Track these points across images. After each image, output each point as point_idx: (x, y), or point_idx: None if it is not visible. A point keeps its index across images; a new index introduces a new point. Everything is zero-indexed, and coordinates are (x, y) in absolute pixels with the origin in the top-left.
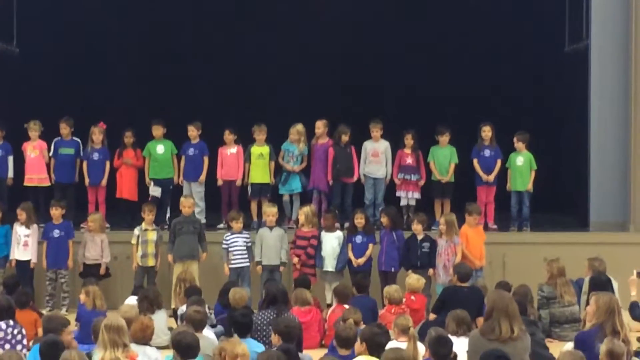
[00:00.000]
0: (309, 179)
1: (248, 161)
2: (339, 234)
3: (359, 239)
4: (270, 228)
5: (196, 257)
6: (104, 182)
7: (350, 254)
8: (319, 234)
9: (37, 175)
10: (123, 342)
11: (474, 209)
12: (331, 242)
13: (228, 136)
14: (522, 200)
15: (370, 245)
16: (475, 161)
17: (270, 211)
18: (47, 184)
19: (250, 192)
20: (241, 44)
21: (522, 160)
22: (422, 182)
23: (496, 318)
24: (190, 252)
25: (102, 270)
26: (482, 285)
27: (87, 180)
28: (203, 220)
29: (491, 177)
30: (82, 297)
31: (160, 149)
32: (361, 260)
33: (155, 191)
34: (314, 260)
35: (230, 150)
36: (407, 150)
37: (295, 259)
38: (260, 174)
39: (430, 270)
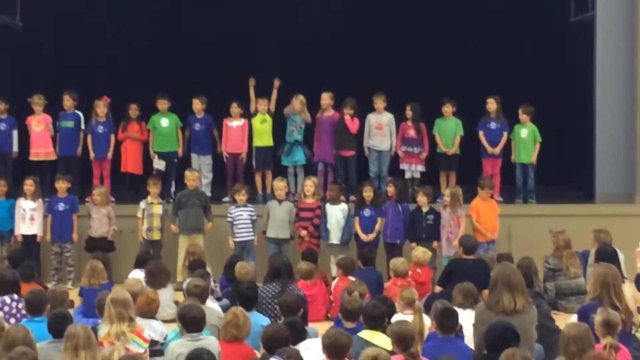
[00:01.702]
0: (312, 151)
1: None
2: (343, 206)
3: (367, 212)
4: (280, 201)
5: (202, 230)
6: (109, 155)
7: (358, 229)
8: (323, 205)
9: (43, 150)
10: (129, 316)
11: (486, 183)
12: (336, 214)
13: (235, 109)
14: (527, 172)
15: (379, 219)
16: (481, 133)
17: (278, 185)
18: (54, 157)
19: (255, 163)
20: (246, 15)
21: (526, 132)
22: (424, 155)
23: (499, 290)
24: (196, 225)
25: (109, 237)
26: (490, 257)
27: (91, 154)
28: (209, 193)
29: (497, 150)
30: None
31: (164, 122)
32: (372, 236)
33: (159, 164)
34: (318, 232)
35: (236, 123)
36: (409, 123)
37: (304, 232)
38: (265, 138)
39: (435, 243)
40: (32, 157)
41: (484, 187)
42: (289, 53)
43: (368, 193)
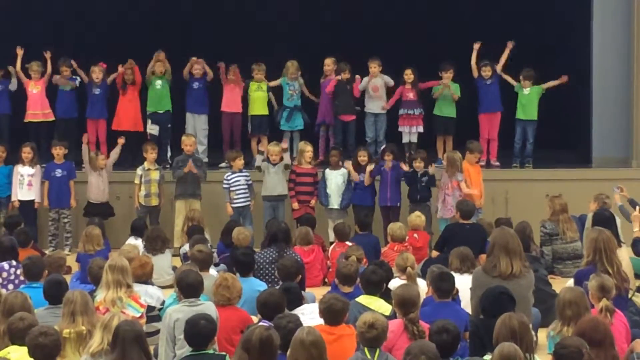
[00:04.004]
0: (315, 115)
1: (246, 93)
2: (343, 171)
3: (362, 176)
4: (274, 164)
5: (198, 195)
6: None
7: (353, 171)
8: (323, 171)
9: (41, 111)
10: (126, 283)
11: (475, 147)
12: (336, 179)
13: (231, 77)
14: (527, 135)
15: (369, 167)
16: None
17: (274, 150)
18: (52, 118)
19: (250, 128)
20: None
21: (528, 90)
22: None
23: (497, 255)
24: (193, 191)
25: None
26: (487, 223)
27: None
28: (205, 159)
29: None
30: None
31: (158, 83)
32: (367, 179)
33: (153, 129)
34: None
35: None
36: (408, 86)
37: (312, 201)
38: (261, 106)
39: (434, 203)
40: (29, 119)
41: (472, 151)
42: (289, 18)
43: (362, 158)
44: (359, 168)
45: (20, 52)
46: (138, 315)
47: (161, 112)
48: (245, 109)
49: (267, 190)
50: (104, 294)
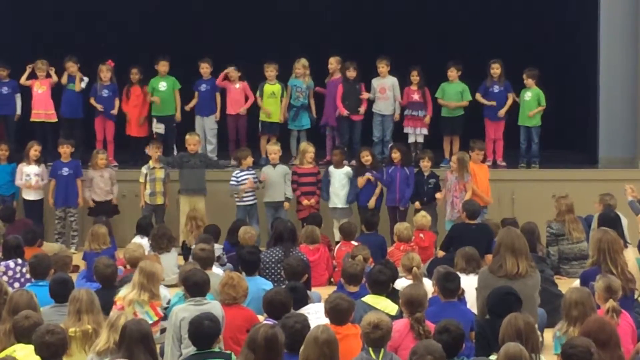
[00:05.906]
0: (320, 115)
1: (261, 97)
2: (347, 169)
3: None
4: (274, 165)
5: (203, 191)
6: (115, 111)
7: (361, 182)
8: (326, 169)
9: (44, 111)
10: (150, 289)
11: (477, 145)
12: (340, 178)
13: (232, 73)
14: (531, 136)
15: (379, 184)
16: (478, 95)
17: (272, 149)
18: (54, 119)
19: (260, 128)
20: None
21: (530, 95)
22: (428, 118)
23: (503, 255)
24: (197, 186)
25: (114, 200)
26: (494, 223)
27: (99, 107)
28: (214, 158)
29: (502, 112)
30: None
31: (162, 85)
32: (372, 203)
33: (158, 128)
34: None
35: (235, 86)
36: (414, 87)
37: (306, 202)
38: (274, 115)
39: (438, 194)
40: (33, 118)
41: (474, 149)
42: (291, 18)
43: (366, 158)
44: (362, 168)
45: (28, 70)
46: (150, 322)
47: (166, 115)
48: (254, 109)
49: (269, 196)
50: (125, 292)
